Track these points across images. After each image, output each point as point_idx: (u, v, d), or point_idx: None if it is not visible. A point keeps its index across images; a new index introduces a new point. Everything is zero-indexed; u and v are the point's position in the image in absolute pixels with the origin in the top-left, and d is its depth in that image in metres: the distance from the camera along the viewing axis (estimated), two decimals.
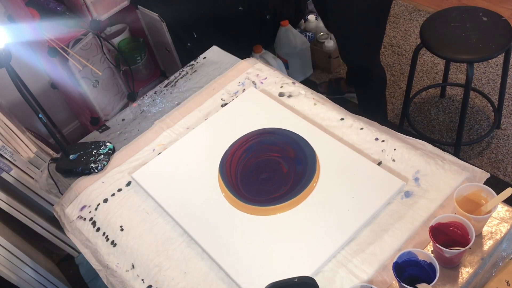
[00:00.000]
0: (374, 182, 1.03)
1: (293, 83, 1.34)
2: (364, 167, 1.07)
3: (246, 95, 1.32)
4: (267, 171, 1.12)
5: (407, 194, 1.02)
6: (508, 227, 0.92)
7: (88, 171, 1.23)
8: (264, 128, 1.21)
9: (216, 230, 1.03)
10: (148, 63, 2.32)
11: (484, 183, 0.92)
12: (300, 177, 1.08)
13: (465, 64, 1.88)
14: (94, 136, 1.37)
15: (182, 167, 1.18)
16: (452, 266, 0.88)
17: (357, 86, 2.01)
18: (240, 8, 2.18)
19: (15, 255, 1.55)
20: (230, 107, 1.30)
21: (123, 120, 1.39)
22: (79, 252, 1.13)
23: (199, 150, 1.21)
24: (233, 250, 0.99)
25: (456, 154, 1.98)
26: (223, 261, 0.98)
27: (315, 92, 1.30)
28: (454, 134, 2.10)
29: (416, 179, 1.04)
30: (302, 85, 1.33)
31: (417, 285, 0.80)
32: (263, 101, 1.28)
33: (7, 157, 1.56)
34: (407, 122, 2.13)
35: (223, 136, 1.22)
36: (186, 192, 1.12)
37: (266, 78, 1.37)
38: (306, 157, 1.12)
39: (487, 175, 1.00)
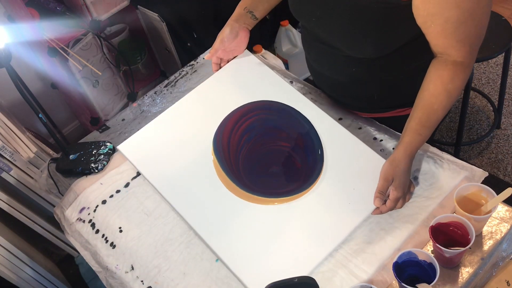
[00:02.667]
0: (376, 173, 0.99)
1: (291, 82, 1.34)
2: (367, 157, 1.04)
3: (242, 61, 1.25)
4: (278, 164, 1.06)
5: None
6: (508, 227, 0.92)
7: (88, 171, 1.23)
8: (264, 101, 1.14)
9: (207, 210, 1.01)
10: (148, 63, 2.32)
11: (484, 183, 0.91)
12: (311, 172, 1.04)
13: None
14: (94, 136, 1.37)
15: (172, 141, 1.12)
16: (452, 266, 0.88)
17: None
18: None
19: (15, 255, 1.55)
20: (224, 73, 1.23)
21: (123, 120, 1.39)
22: (79, 252, 1.13)
23: (191, 120, 1.15)
24: (225, 233, 0.98)
25: (456, 154, 1.98)
26: (212, 243, 0.97)
27: (313, 90, 1.29)
28: (454, 134, 2.10)
29: (415, 178, 1.03)
30: (300, 83, 1.33)
31: (417, 285, 0.80)
32: (260, 70, 1.23)
33: (7, 157, 1.56)
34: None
35: (217, 106, 1.15)
36: (176, 169, 1.07)
37: None
38: (314, 146, 1.06)
39: (486, 174, 1.00)
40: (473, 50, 0.88)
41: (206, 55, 1.23)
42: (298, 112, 1.13)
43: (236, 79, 1.22)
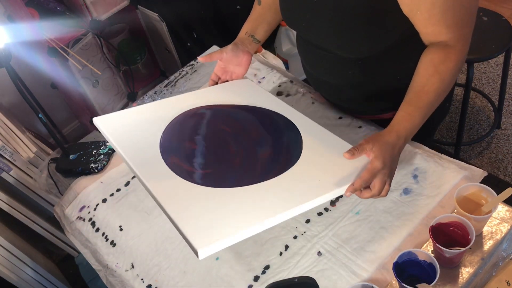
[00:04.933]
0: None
1: (291, 81, 1.34)
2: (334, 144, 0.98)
3: (240, 83, 1.20)
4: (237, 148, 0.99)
5: (406, 192, 1.02)
6: (508, 227, 0.92)
7: (88, 171, 1.23)
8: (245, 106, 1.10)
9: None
10: (148, 63, 2.32)
11: (484, 183, 0.91)
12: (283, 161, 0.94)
13: (465, 64, 1.88)
14: (94, 136, 1.37)
15: (149, 127, 1.05)
16: (452, 266, 0.88)
17: None
18: (238, 7, 2.17)
19: (15, 255, 1.55)
20: (221, 87, 1.19)
21: None
22: (79, 252, 1.13)
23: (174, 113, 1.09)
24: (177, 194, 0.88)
25: (456, 154, 1.98)
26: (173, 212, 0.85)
27: (313, 90, 1.30)
28: (454, 134, 2.10)
29: (415, 176, 1.04)
30: (300, 83, 1.33)
31: (417, 285, 0.80)
32: (259, 93, 1.18)
33: (7, 157, 1.56)
34: None
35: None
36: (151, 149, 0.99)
37: (264, 77, 1.37)
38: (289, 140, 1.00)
39: (485, 173, 1.00)
40: (465, 35, 0.86)
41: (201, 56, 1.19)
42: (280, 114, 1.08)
43: (234, 93, 1.17)
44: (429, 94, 0.87)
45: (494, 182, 1.88)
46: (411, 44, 0.94)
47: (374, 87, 1.05)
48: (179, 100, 1.16)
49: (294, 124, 1.06)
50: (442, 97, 0.90)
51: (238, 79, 1.20)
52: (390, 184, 0.87)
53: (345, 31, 0.93)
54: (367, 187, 0.85)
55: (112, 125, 1.06)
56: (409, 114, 0.88)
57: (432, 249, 0.90)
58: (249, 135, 1.04)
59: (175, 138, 1.03)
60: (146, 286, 0.99)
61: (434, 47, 0.88)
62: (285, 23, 1.07)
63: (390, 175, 0.87)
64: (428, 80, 0.87)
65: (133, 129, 1.05)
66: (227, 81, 1.21)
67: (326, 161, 0.94)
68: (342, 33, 0.94)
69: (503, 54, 1.79)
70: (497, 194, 0.87)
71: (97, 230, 1.12)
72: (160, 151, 0.99)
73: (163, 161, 0.96)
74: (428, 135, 1.22)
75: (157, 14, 2.01)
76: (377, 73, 1.02)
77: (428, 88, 0.87)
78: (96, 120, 1.06)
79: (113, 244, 1.09)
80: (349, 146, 0.90)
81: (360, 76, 1.02)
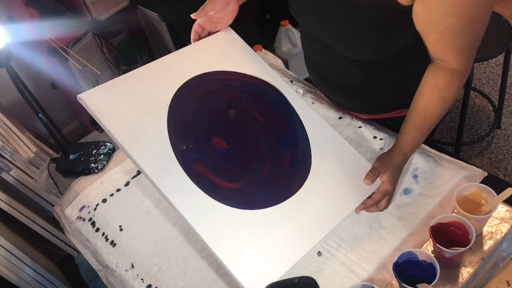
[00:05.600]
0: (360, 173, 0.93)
1: (291, 81, 1.34)
2: (351, 156, 1.00)
3: (224, 36, 1.10)
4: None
5: (406, 192, 1.02)
6: (508, 227, 0.92)
7: (88, 171, 1.23)
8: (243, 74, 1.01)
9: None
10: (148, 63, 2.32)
11: (484, 183, 0.91)
12: (293, 174, 0.94)
13: None
14: (94, 136, 1.37)
15: (143, 101, 0.94)
16: (452, 266, 0.88)
17: None
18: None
19: (15, 255, 1.55)
20: (202, 44, 1.07)
21: None
22: (79, 252, 1.13)
23: (165, 82, 0.98)
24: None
25: (456, 154, 1.98)
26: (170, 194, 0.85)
27: (313, 90, 1.30)
28: (454, 134, 2.10)
29: (415, 176, 1.04)
30: (301, 83, 1.33)
31: (417, 285, 0.80)
32: (244, 49, 1.09)
33: (7, 157, 1.56)
34: None
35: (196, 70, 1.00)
36: (142, 128, 0.90)
37: None
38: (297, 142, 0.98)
39: (485, 173, 1.00)
40: (470, 57, 0.89)
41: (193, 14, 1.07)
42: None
43: (216, 52, 1.07)
44: (432, 119, 0.92)
45: (494, 182, 1.88)
46: (415, 48, 0.94)
47: (375, 87, 1.06)
48: (173, 63, 1.02)
49: (300, 118, 1.02)
50: (442, 116, 0.95)
51: (222, 30, 1.10)
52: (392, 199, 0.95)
53: (355, 35, 0.94)
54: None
55: (104, 107, 0.90)
56: (414, 138, 0.94)
57: (432, 249, 0.90)
58: (277, 129, 1.00)
59: (192, 128, 0.93)
60: (146, 286, 0.99)
61: (440, 71, 0.90)
62: (292, 14, 1.06)
63: (394, 193, 0.95)
64: (432, 104, 0.91)
65: (130, 115, 0.91)
66: (209, 34, 1.10)
67: (336, 169, 0.98)
68: (352, 36, 0.94)
69: (503, 54, 1.79)
70: (497, 194, 0.87)
71: (97, 230, 1.12)
72: (173, 148, 0.89)
73: (179, 165, 0.88)
74: (429, 135, 1.22)
75: (157, 14, 2.01)
76: (380, 74, 1.02)
77: (432, 112, 0.92)
78: (82, 97, 0.90)
79: (113, 244, 1.09)
80: (347, 144, 0.97)
81: (362, 76, 1.03)
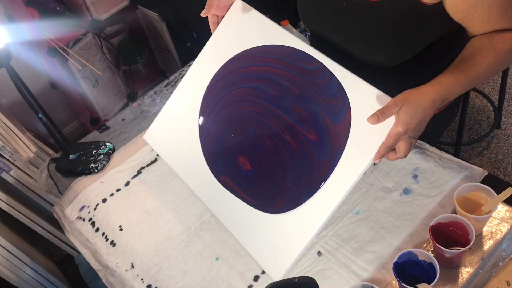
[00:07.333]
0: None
1: None
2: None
3: (235, 12, 1.08)
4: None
5: (406, 191, 1.02)
6: (508, 227, 0.92)
7: (88, 171, 1.23)
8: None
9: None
10: (148, 63, 2.32)
11: (484, 183, 0.91)
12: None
13: None
14: (94, 136, 1.37)
15: (189, 123, 1.08)
16: (452, 266, 0.88)
17: None
18: None
19: (15, 255, 1.55)
20: (221, 31, 1.10)
21: (123, 120, 1.39)
22: (79, 252, 1.13)
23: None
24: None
25: (456, 154, 1.98)
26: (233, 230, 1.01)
27: None
28: (454, 134, 2.10)
29: (415, 176, 1.04)
30: None
31: (417, 285, 0.80)
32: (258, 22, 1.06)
33: (7, 157, 1.56)
34: None
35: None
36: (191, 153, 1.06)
37: None
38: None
39: (485, 172, 1.00)
40: None
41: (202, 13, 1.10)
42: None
43: (237, 35, 1.08)
44: (479, 66, 0.80)
45: (494, 182, 1.88)
46: (428, 55, 0.93)
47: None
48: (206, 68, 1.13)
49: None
50: (490, 76, 0.83)
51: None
52: (414, 144, 0.83)
53: (373, 36, 0.91)
54: (393, 149, 0.82)
55: (159, 138, 1.13)
56: (456, 77, 0.80)
57: (432, 249, 0.90)
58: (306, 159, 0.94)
59: (221, 143, 1.05)
60: (146, 286, 0.99)
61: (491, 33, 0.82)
62: (303, 21, 1.05)
63: (416, 136, 0.81)
64: (481, 52, 0.81)
65: (172, 136, 1.11)
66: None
67: None
68: (369, 38, 0.92)
69: None
70: (497, 194, 0.87)
71: (97, 230, 1.12)
72: (206, 157, 1.05)
73: (210, 171, 1.05)
74: (436, 136, 1.21)
75: (157, 14, 2.01)
76: (387, 81, 1.01)
77: (480, 60, 0.80)
78: (146, 138, 1.15)
79: (113, 244, 1.09)
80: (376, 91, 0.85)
81: (375, 84, 1.02)
